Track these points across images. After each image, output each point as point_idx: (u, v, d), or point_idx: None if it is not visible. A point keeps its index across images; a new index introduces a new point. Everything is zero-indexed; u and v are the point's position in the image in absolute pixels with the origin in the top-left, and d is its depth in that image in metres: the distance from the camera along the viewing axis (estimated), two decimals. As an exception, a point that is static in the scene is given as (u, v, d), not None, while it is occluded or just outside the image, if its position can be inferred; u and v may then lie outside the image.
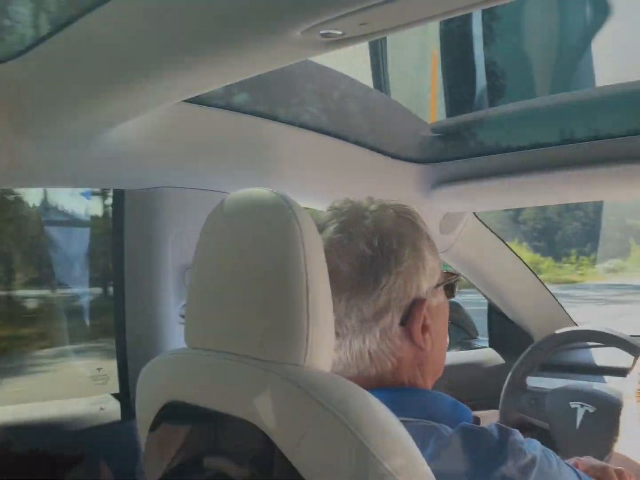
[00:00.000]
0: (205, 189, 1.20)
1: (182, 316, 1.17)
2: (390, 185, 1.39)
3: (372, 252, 0.82)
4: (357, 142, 1.25)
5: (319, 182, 1.30)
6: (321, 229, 0.86)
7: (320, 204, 1.36)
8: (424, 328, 0.85)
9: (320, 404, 0.57)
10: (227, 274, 0.68)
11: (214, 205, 0.74)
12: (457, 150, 1.32)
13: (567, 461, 0.87)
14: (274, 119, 1.13)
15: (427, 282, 0.86)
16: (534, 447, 0.78)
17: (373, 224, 0.85)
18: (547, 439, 1.60)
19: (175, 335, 1.17)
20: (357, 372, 0.85)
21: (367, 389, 0.65)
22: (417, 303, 0.84)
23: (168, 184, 1.17)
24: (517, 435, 0.78)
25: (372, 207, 0.88)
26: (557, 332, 1.73)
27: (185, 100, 0.95)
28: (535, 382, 1.74)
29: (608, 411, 1.50)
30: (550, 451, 0.81)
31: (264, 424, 0.59)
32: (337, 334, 0.81)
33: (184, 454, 0.72)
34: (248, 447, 0.61)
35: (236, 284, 0.67)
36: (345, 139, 1.23)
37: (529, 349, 1.73)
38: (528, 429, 1.69)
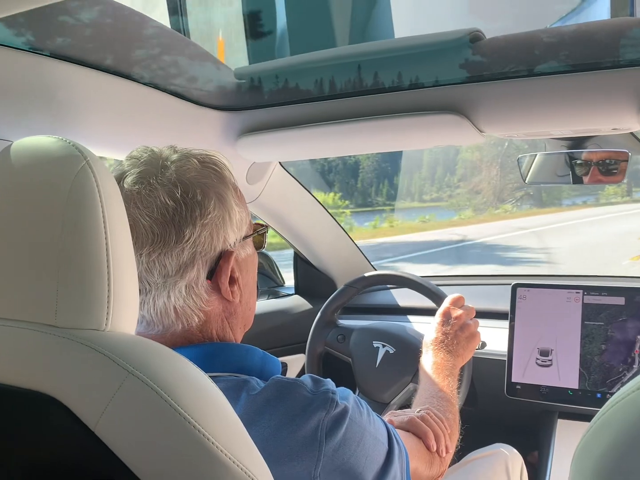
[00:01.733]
0: (-17, 136, 1.06)
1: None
2: (195, 133, 1.34)
3: (174, 204, 0.78)
4: (156, 87, 1.17)
5: (117, 130, 1.21)
6: (119, 179, 0.80)
7: (119, 154, 1.27)
8: (232, 280, 0.84)
9: (125, 369, 0.53)
10: (11, 232, 0.60)
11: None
12: (262, 98, 1.29)
13: (382, 417, 0.91)
14: (63, 58, 1.02)
15: (234, 234, 0.84)
16: (346, 397, 0.80)
17: (175, 174, 0.80)
18: (348, 372, 1.70)
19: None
20: (163, 329, 0.82)
21: (173, 347, 0.62)
22: (224, 256, 0.82)
23: (-64, 131, 1.02)
24: (330, 385, 0.80)
25: (174, 156, 0.83)
26: (369, 273, 1.82)
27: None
28: (345, 321, 1.82)
29: (407, 354, 1.61)
30: (362, 401, 0.84)
31: (63, 396, 0.54)
32: (140, 291, 0.77)
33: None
34: (46, 422, 0.55)
35: (23, 244, 0.59)
36: (144, 82, 1.15)
37: (342, 287, 1.80)
38: (332, 362, 1.78)
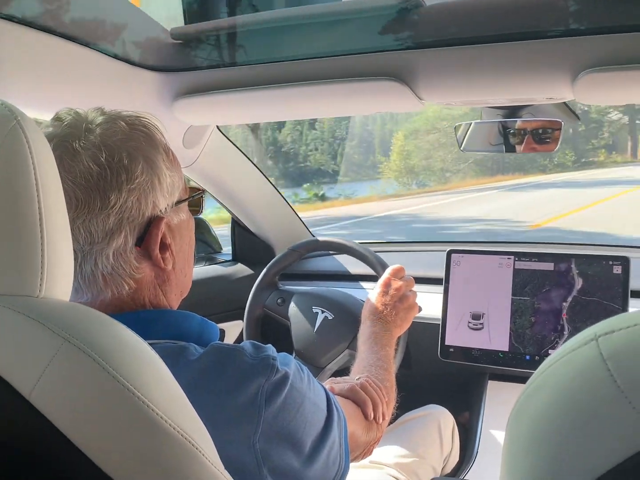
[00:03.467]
0: None
1: None
2: (130, 94, 1.30)
3: (98, 168, 0.76)
4: (88, 45, 1.13)
5: (46, 89, 1.16)
6: None
7: (48, 114, 1.22)
8: (164, 247, 0.82)
9: (60, 336, 0.52)
10: None
11: None
12: (199, 59, 1.26)
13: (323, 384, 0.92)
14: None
15: (165, 199, 0.82)
16: (286, 363, 0.80)
17: (100, 137, 0.77)
18: (286, 335, 1.71)
19: None
20: (92, 296, 0.80)
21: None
22: (153, 222, 0.80)
23: None
24: (271, 351, 0.80)
25: (100, 119, 0.80)
26: (314, 238, 1.83)
27: None
28: (286, 286, 1.82)
29: (345, 320, 1.63)
30: (304, 367, 0.85)
31: None
32: None
33: None
34: None
35: None
36: (74, 40, 1.10)
37: (286, 250, 1.80)
38: (270, 325, 1.78)
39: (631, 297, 1.46)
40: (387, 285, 1.34)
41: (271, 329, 1.80)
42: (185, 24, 1.58)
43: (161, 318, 0.83)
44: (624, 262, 1.47)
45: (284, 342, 1.66)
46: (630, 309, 1.45)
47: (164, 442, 0.52)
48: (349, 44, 1.11)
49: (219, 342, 0.81)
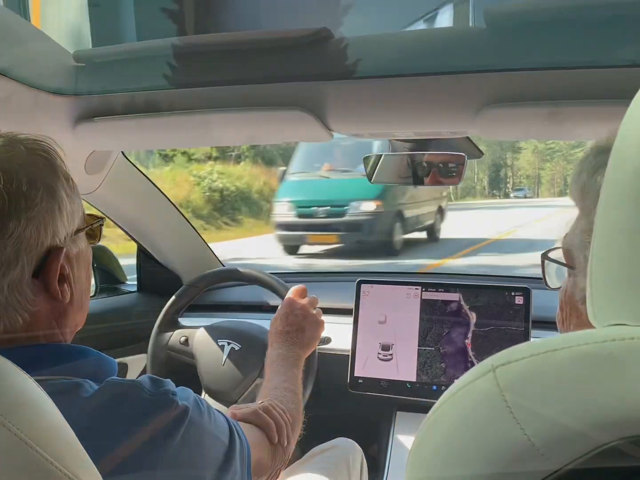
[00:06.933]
0: None
1: None
2: (28, 117, 1.24)
3: None
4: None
5: None
6: None
7: None
8: (62, 278, 0.78)
9: None
10: None
11: None
12: (103, 83, 1.22)
13: (225, 412, 0.90)
14: None
15: (65, 228, 0.78)
16: (186, 397, 0.78)
17: None
18: (194, 374, 1.65)
19: None
20: None
21: None
22: (52, 252, 0.76)
23: None
24: (170, 385, 0.78)
25: None
26: (210, 271, 1.78)
27: None
28: (188, 321, 1.77)
29: (253, 349, 1.60)
30: (203, 400, 0.83)
31: None
32: None
33: None
34: None
35: None
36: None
37: (183, 287, 1.75)
38: (176, 367, 1.72)
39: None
40: (290, 305, 1.33)
41: (178, 369, 1.73)
42: (93, 46, 1.53)
43: (54, 353, 0.78)
44: (526, 292, 1.52)
45: (193, 381, 1.61)
46: (532, 339, 1.49)
47: None
48: (258, 72, 1.11)
49: (115, 377, 0.78)
